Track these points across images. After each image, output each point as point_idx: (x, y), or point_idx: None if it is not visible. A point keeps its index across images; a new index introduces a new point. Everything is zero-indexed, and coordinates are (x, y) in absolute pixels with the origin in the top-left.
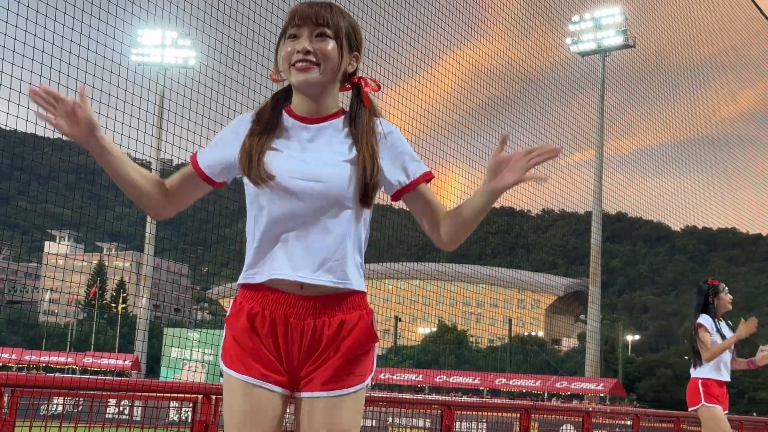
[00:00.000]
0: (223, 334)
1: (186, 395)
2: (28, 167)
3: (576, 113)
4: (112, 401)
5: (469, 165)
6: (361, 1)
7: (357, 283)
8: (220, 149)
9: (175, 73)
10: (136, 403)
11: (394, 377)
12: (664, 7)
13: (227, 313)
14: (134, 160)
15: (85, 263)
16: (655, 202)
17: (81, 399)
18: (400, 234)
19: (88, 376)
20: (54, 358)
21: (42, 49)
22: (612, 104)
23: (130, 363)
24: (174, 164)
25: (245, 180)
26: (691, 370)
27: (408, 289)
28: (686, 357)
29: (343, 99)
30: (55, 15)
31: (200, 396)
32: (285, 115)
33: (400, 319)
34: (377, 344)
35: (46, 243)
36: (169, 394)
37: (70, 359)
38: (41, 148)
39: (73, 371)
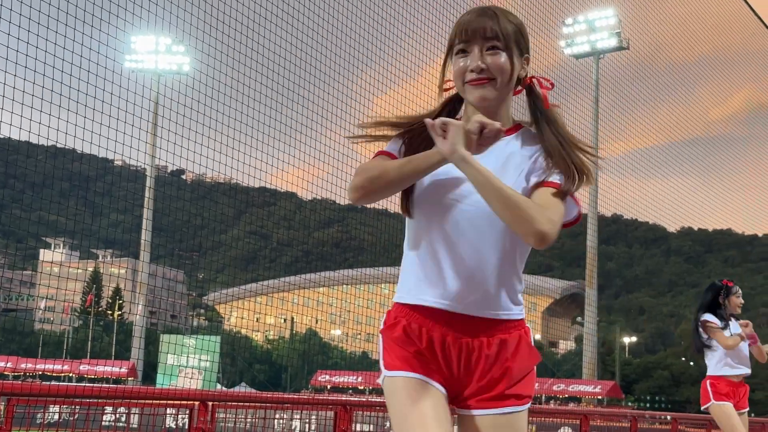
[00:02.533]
0: (380, 345)
1: (183, 402)
2: (22, 175)
3: (570, 116)
4: (109, 408)
5: None
6: (353, 4)
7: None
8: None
9: (169, 79)
10: (133, 410)
11: None
12: (658, 8)
13: (381, 326)
14: (128, 167)
15: (80, 270)
16: (650, 203)
17: (77, 407)
18: (396, 238)
19: (84, 384)
20: (50, 366)
21: (36, 57)
22: (606, 106)
23: (127, 370)
24: (168, 170)
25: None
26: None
27: None
28: (683, 358)
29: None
30: (48, 23)
31: (197, 402)
32: None
33: None
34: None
35: (41, 251)
36: (165, 401)
37: (66, 367)
38: (35, 156)
39: (69, 379)
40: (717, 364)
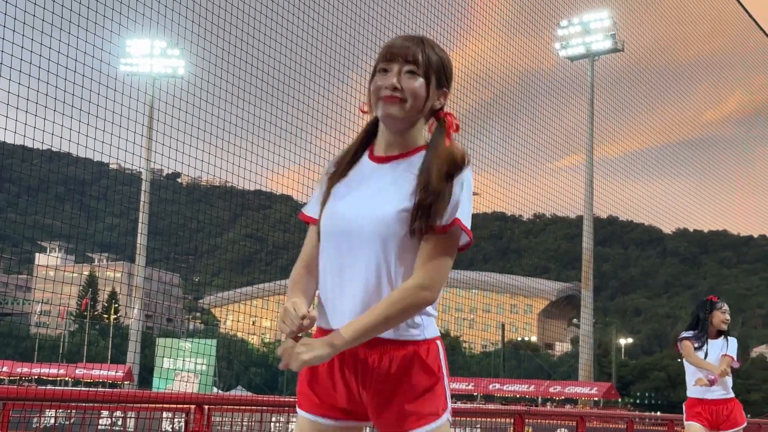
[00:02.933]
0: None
1: (179, 405)
2: (18, 179)
3: (566, 117)
4: (105, 413)
5: None
6: (347, 7)
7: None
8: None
9: (164, 82)
10: (129, 414)
11: None
12: (653, 10)
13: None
14: (124, 170)
15: (75, 274)
16: (645, 205)
17: (73, 411)
18: None
19: (80, 388)
20: (45, 370)
21: (30, 61)
22: (601, 108)
23: (123, 374)
24: (164, 173)
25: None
26: None
27: None
28: (679, 360)
29: None
30: (43, 27)
31: (193, 406)
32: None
33: None
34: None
35: (37, 254)
36: (161, 405)
37: (62, 371)
38: (30, 160)
39: (65, 383)
40: (691, 383)
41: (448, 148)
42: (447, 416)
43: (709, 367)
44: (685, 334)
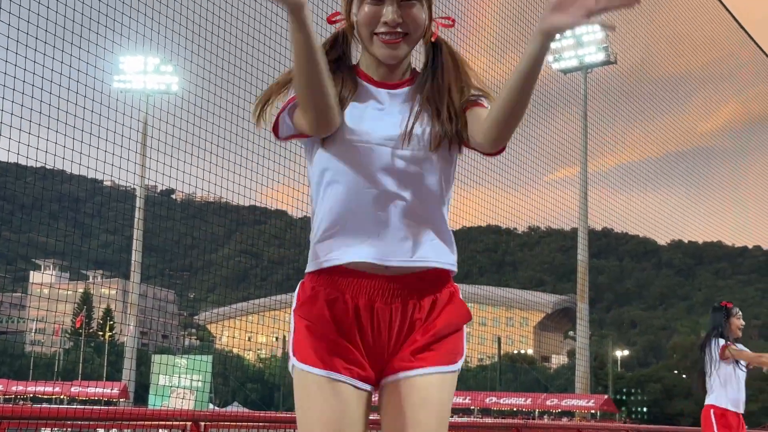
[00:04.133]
0: (291, 326)
1: (175, 422)
2: (11, 197)
3: (559, 130)
4: (101, 430)
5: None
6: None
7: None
8: None
9: (157, 99)
10: (125, 431)
11: None
12: (645, 22)
13: (293, 304)
14: (118, 187)
15: (70, 292)
16: (640, 217)
17: (69, 429)
18: None
19: (75, 406)
20: (41, 388)
21: (23, 79)
22: (595, 120)
23: (118, 391)
24: (158, 190)
25: (313, 141)
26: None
27: None
28: (676, 371)
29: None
30: (36, 45)
31: (189, 423)
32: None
33: None
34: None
35: (31, 272)
36: (158, 422)
37: (57, 389)
38: (24, 178)
39: (61, 401)
40: (727, 397)
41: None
42: (461, 362)
43: (753, 357)
44: (721, 341)
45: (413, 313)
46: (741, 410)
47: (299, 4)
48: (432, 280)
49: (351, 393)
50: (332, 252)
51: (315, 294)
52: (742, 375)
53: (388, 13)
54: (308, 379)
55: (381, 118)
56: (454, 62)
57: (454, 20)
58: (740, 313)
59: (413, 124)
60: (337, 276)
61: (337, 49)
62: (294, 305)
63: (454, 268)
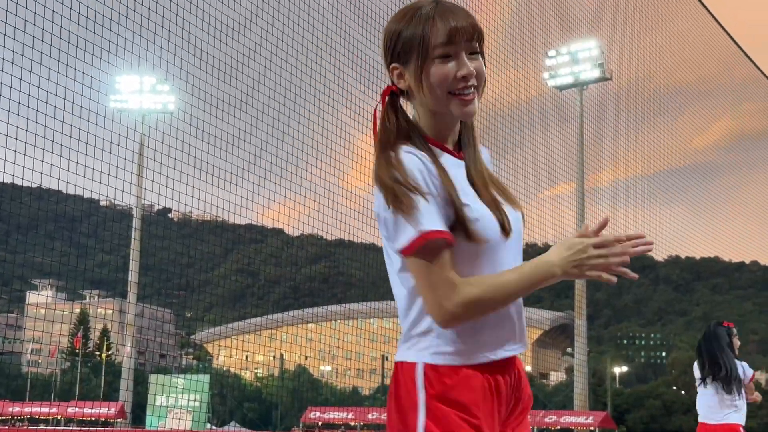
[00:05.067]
0: (420, 415)
1: None
2: (8, 217)
3: (556, 147)
4: None
5: None
6: (336, 42)
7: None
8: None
9: (154, 118)
10: None
11: (383, 417)
12: (640, 39)
13: (423, 393)
14: (115, 207)
15: (66, 312)
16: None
17: None
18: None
19: (72, 427)
20: (37, 409)
21: (18, 101)
22: (591, 137)
23: (115, 411)
24: (155, 210)
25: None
26: (730, 414)
27: (394, 329)
28: (674, 387)
29: None
30: (31, 66)
31: None
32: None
33: (387, 359)
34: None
35: (28, 293)
36: None
37: (54, 409)
38: (20, 198)
39: (58, 422)
40: (744, 412)
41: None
42: None
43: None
44: (748, 369)
45: (519, 387)
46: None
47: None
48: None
49: None
50: (474, 343)
51: (469, 377)
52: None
53: (464, 67)
54: None
55: (486, 190)
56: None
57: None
58: (736, 332)
59: (510, 198)
60: (478, 366)
61: (405, 115)
62: (423, 392)
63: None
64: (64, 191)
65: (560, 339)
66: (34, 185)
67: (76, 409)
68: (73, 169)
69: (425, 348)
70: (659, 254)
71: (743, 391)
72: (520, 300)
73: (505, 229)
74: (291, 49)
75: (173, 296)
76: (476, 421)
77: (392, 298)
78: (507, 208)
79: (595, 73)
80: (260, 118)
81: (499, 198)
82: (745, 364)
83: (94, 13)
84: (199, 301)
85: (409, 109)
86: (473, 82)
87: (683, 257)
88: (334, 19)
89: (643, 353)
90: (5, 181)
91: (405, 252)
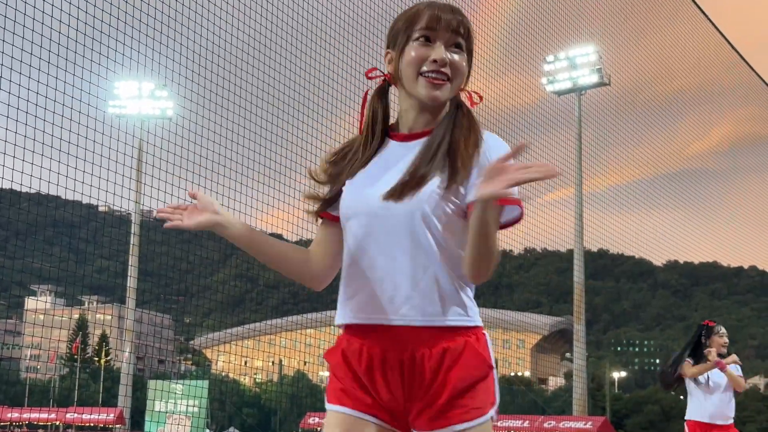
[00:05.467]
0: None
1: None
2: (6, 223)
3: (554, 152)
4: None
5: None
6: (334, 47)
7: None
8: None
9: (152, 124)
10: None
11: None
12: (638, 44)
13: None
14: (113, 212)
15: (65, 318)
16: (636, 238)
17: None
18: None
19: None
20: (36, 415)
21: (17, 106)
22: (589, 142)
23: (114, 417)
24: (153, 215)
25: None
26: None
27: None
28: (673, 392)
29: None
30: (30, 71)
31: None
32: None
33: None
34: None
35: (27, 299)
36: None
37: (52, 415)
38: (18, 204)
39: (57, 428)
40: (695, 407)
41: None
42: (492, 412)
43: (707, 367)
44: (689, 359)
45: (423, 363)
46: (714, 421)
47: (218, 226)
48: (446, 332)
49: (368, 428)
50: (346, 309)
51: (337, 346)
52: (706, 387)
53: (439, 52)
54: (330, 420)
55: (394, 172)
56: (470, 124)
57: (482, 97)
58: (723, 330)
59: (418, 173)
60: (356, 329)
61: (383, 103)
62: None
63: (473, 323)
64: (63, 197)
65: (559, 344)
66: (32, 191)
67: (75, 414)
68: (72, 175)
69: None
70: (658, 259)
71: (693, 387)
72: (416, 270)
73: (368, 205)
74: (290, 55)
75: (172, 302)
76: (339, 384)
77: None
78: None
79: (594, 78)
80: (259, 124)
81: (408, 177)
82: (734, 364)
83: (93, 18)
84: (198, 307)
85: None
86: (447, 70)
87: (682, 262)
88: (332, 25)
89: (641, 358)
90: (4, 186)
91: None
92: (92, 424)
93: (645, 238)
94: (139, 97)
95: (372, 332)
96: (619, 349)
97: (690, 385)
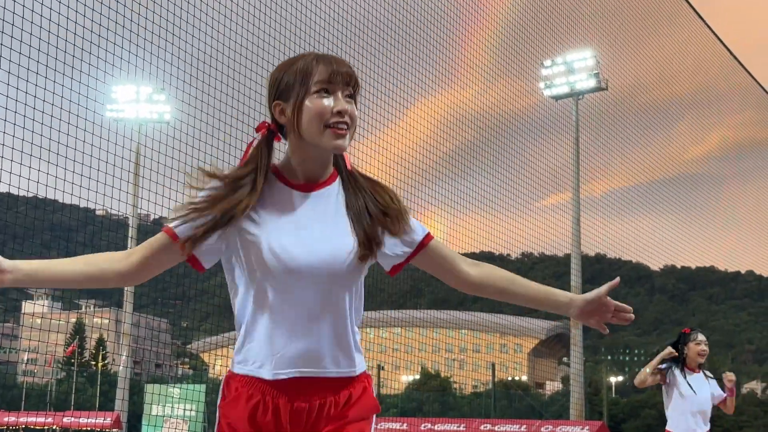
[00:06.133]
0: (216, 419)
1: None
2: (3, 227)
3: (551, 156)
4: None
5: (444, 210)
6: (332, 51)
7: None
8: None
9: (150, 128)
10: None
11: (379, 426)
12: (636, 49)
13: (218, 398)
14: (110, 216)
15: (62, 322)
16: (633, 242)
17: None
18: (380, 282)
19: None
20: (33, 419)
21: (14, 110)
22: (587, 146)
23: (111, 421)
24: (151, 219)
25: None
26: None
27: (389, 338)
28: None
29: None
30: (27, 75)
31: None
32: (275, 179)
33: (382, 368)
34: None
35: (24, 302)
36: None
37: (49, 419)
38: (15, 208)
39: (53, 431)
40: (675, 418)
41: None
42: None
43: (654, 361)
44: (662, 366)
45: (329, 410)
46: (696, 428)
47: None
48: (347, 380)
49: None
50: (256, 361)
51: (238, 395)
52: (690, 394)
53: (340, 103)
54: None
55: (308, 227)
56: (369, 182)
57: (351, 167)
58: (701, 337)
59: (334, 234)
60: (258, 381)
61: (269, 152)
62: (219, 400)
63: (364, 368)
64: (60, 201)
65: (556, 348)
66: (30, 195)
67: (72, 419)
68: (69, 179)
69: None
70: (655, 264)
71: (666, 398)
72: (337, 326)
73: (291, 262)
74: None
75: (169, 306)
76: None
77: (386, 308)
78: (322, 245)
79: (591, 83)
80: (254, 126)
81: (322, 233)
82: (712, 382)
83: (91, 22)
84: (195, 311)
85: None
86: (347, 119)
87: (679, 267)
88: (329, 29)
89: (639, 363)
90: (1, 190)
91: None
92: (89, 428)
93: (642, 242)
94: (137, 101)
95: (287, 385)
96: (616, 353)
97: (677, 392)
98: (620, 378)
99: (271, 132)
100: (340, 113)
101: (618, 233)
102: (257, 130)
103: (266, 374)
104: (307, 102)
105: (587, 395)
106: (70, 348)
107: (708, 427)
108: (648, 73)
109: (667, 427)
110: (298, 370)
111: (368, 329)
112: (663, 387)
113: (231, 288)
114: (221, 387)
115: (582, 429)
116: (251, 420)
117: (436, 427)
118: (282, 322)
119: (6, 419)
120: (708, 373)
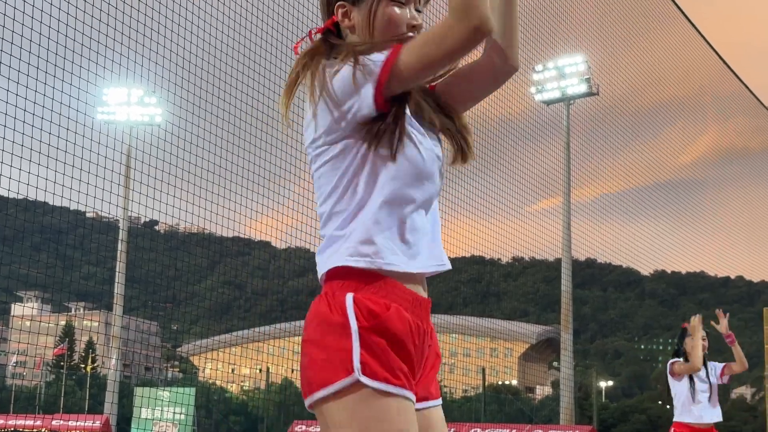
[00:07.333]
0: (354, 339)
1: None
2: None
3: (542, 161)
4: None
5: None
6: None
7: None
8: None
9: (141, 130)
10: None
11: None
12: (627, 54)
13: (349, 314)
14: (101, 219)
15: (52, 324)
16: (623, 247)
17: None
18: None
19: None
20: (21, 422)
21: (5, 112)
22: (578, 151)
23: (100, 424)
24: (141, 222)
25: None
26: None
27: None
28: (660, 402)
29: None
30: (18, 77)
31: None
32: None
33: None
34: None
35: (13, 305)
36: None
37: (38, 422)
38: (5, 210)
39: None
40: (681, 409)
41: None
42: None
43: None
44: (674, 359)
45: (432, 336)
46: (707, 421)
47: None
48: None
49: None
50: (401, 254)
51: (388, 307)
52: (703, 386)
53: (415, 16)
54: (392, 408)
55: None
56: None
57: None
58: (702, 333)
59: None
60: (396, 289)
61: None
62: (353, 315)
63: None
64: (51, 203)
65: (546, 353)
66: (20, 197)
67: (61, 422)
68: (60, 181)
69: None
70: (645, 269)
71: (674, 391)
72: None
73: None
74: (279, 62)
75: (159, 308)
76: (397, 362)
77: None
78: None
79: (582, 88)
80: (247, 131)
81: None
82: (715, 364)
83: (82, 25)
84: (186, 314)
85: None
86: (416, 34)
87: (669, 272)
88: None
89: (629, 368)
90: None
91: (390, 59)
92: (78, 431)
93: (633, 247)
94: (128, 104)
95: (410, 295)
96: (606, 358)
97: (688, 386)
98: (610, 382)
99: (329, 33)
100: (415, 27)
101: (608, 238)
102: (319, 31)
103: (426, 268)
104: (383, 8)
105: (577, 400)
106: (58, 349)
107: (718, 414)
108: (639, 79)
109: (675, 419)
110: (437, 264)
111: None
112: (670, 379)
113: None
114: (351, 305)
115: None
116: (406, 340)
117: None
118: (421, 219)
119: None
120: (709, 364)
